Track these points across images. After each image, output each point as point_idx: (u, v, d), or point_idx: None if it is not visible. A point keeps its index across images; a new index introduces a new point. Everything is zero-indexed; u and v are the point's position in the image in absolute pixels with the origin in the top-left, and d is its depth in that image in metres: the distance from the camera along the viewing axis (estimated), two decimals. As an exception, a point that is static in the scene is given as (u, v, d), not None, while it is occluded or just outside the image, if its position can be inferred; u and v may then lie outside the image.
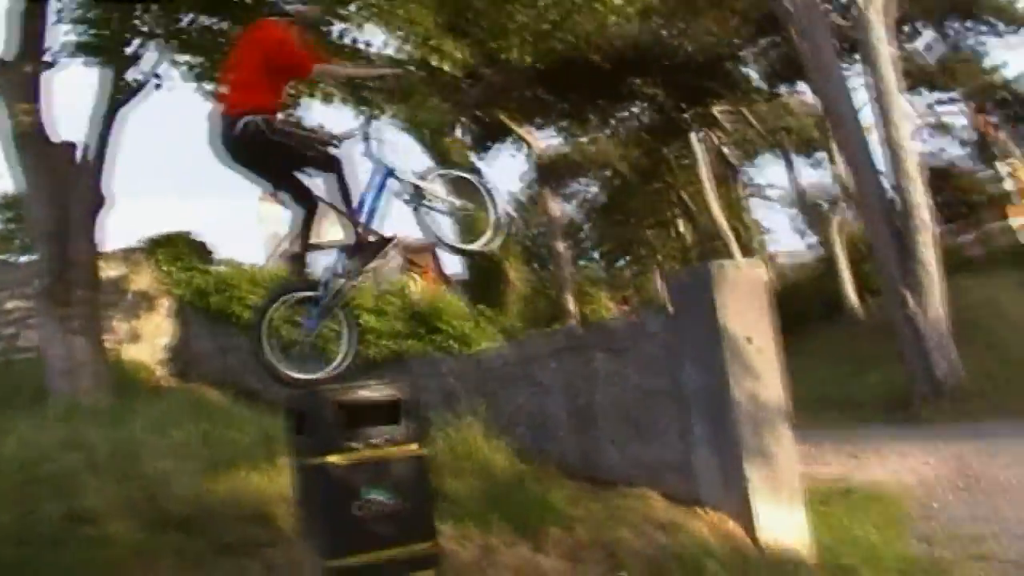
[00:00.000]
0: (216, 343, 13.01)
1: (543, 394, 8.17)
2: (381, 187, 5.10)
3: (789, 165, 30.71)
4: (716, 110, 27.34)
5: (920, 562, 6.39)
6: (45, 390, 9.36)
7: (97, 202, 9.67)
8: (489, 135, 30.73)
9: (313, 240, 5.24)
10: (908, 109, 18.28)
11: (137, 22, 9.60)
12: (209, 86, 10.39)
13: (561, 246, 32.34)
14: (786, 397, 6.57)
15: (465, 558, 5.40)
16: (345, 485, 4.49)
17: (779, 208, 37.98)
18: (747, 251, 29.40)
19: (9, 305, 12.33)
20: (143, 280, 13.31)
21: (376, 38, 10.43)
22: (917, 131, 27.59)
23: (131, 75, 9.82)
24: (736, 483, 6.20)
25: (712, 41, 24.05)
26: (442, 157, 27.97)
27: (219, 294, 12.87)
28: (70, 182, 9.43)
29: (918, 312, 13.71)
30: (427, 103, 11.03)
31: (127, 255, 13.44)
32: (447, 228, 5.68)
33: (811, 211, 31.21)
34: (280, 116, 5.11)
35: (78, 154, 9.58)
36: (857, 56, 17.02)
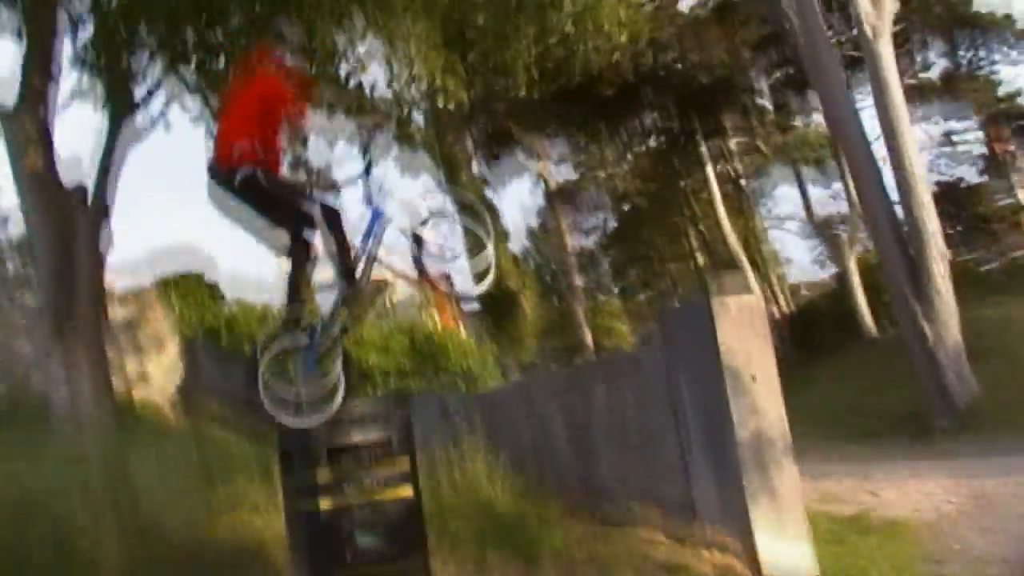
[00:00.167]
0: (226, 382, 13.01)
1: (546, 429, 8.11)
2: (378, 232, 5.09)
3: (804, 194, 30.64)
4: (732, 141, 27.38)
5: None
6: (50, 432, 9.35)
7: (102, 243, 9.71)
8: (503, 169, 30.94)
9: (309, 285, 5.25)
10: (919, 136, 18.21)
11: (144, 64, 9.69)
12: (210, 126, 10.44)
13: (578, 279, 32.35)
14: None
15: (464, 599, 5.32)
16: (336, 530, 4.44)
17: (799, 239, 37.77)
18: (766, 283, 29.27)
19: (20, 347, 12.40)
20: (154, 319, 13.36)
21: (379, 77, 10.48)
22: (932, 158, 27.55)
23: (138, 118, 9.90)
24: (739, 518, 6.10)
25: (724, 73, 24.15)
26: (458, 194, 28.15)
27: (230, 333, 12.90)
28: (76, 224, 9.47)
29: (935, 341, 13.52)
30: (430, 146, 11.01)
31: (138, 295, 13.52)
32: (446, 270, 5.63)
33: (828, 238, 31.07)
34: (280, 166, 5.14)
35: (84, 196, 9.63)
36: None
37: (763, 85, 26.29)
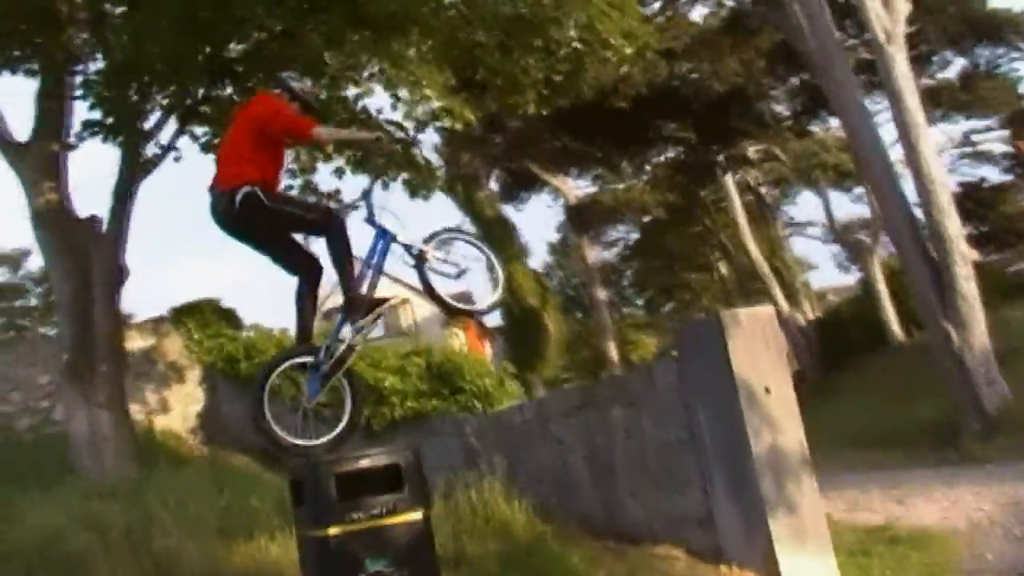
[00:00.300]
0: (245, 408, 13.02)
1: (563, 450, 8.04)
2: (383, 252, 5.07)
3: (825, 201, 30.46)
4: (750, 150, 27.25)
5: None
6: (70, 465, 9.40)
7: (117, 275, 9.79)
8: (520, 185, 30.98)
9: (316, 307, 5.24)
10: (939, 140, 18.00)
11: (155, 98, 9.78)
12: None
13: (601, 293, 32.27)
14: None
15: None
16: (347, 557, 4.39)
17: (822, 245, 37.52)
18: (789, 290, 29.04)
19: (43, 379, 12.49)
20: (172, 349, 13.42)
21: (385, 100, 10.54)
22: (954, 159, 27.26)
23: (149, 150, 9.99)
24: (759, 535, 6.02)
25: (739, 82, 24.07)
26: (474, 212, 28.26)
27: (248, 360, 12.91)
28: (91, 257, 9.56)
29: (963, 347, 13.29)
30: (432, 170, 11.00)
31: (156, 325, 13.60)
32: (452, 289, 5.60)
33: (851, 245, 30.82)
34: (279, 186, 5.14)
35: (98, 227, 9.72)
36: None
37: (779, 92, 26.13)
